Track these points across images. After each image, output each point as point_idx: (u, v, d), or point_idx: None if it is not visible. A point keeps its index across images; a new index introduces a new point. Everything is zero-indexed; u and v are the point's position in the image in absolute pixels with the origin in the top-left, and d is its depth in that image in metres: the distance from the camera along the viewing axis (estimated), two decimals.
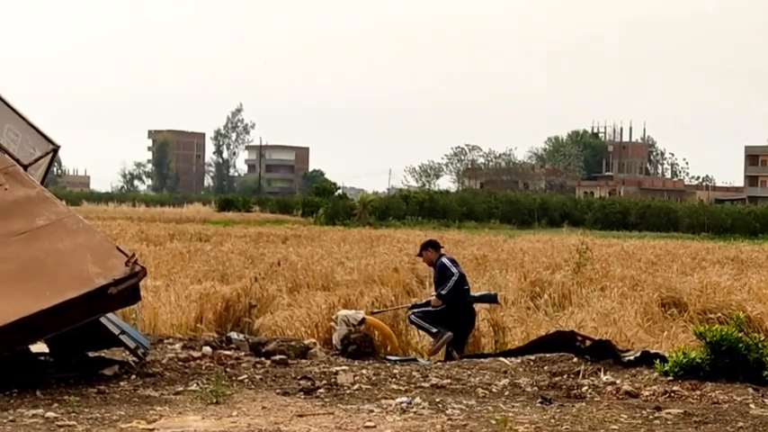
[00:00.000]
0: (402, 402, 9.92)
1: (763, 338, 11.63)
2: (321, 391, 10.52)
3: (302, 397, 10.22)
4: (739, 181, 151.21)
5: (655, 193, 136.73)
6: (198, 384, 10.58)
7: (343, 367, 11.97)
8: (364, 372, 11.70)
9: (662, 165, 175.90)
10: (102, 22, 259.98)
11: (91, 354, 11.97)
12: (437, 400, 10.15)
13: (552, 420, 9.17)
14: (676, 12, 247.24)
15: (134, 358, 11.83)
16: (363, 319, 13.81)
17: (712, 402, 10.07)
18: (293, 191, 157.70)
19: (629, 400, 10.26)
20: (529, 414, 9.52)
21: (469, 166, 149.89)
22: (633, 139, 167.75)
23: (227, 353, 12.80)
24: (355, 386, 10.83)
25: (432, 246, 14.64)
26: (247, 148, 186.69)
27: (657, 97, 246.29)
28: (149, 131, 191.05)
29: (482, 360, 12.92)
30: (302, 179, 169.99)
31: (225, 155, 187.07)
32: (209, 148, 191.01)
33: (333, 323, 14.04)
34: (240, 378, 11.09)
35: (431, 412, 9.57)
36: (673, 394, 10.46)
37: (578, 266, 24.48)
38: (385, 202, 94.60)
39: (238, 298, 17.98)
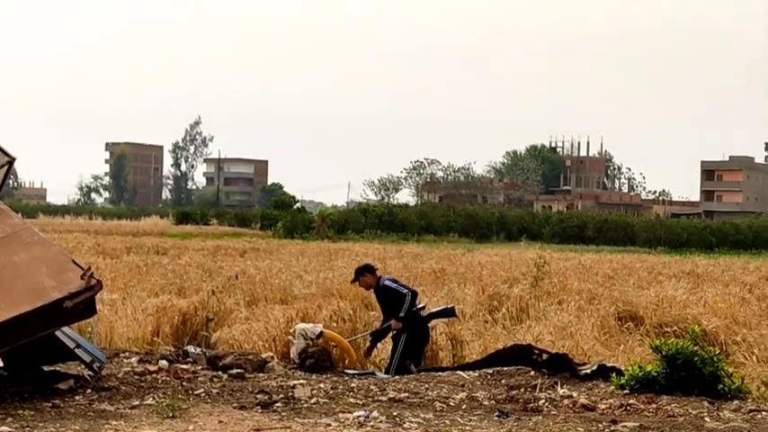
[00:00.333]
0: (359, 416, 9.90)
1: (718, 352, 11.71)
2: (278, 405, 10.48)
3: (259, 411, 10.18)
4: (695, 196, 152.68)
5: (612, 207, 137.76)
6: (154, 398, 10.51)
7: (301, 381, 11.94)
8: (322, 385, 11.67)
9: (619, 179, 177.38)
10: (48, 39, 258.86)
11: (46, 368, 11.88)
12: (395, 413, 10.14)
13: None
14: (633, 26, 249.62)
15: (89, 372, 11.72)
16: (321, 332, 13.78)
17: (668, 416, 10.12)
18: (252, 204, 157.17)
19: (586, 413, 10.29)
20: (486, 428, 9.54)
21: (428, 180, 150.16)
22: (590, 154, 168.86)
23: (184, 367, 12.73)
24: (313, 400, 10.80)
25: (368, 270, 14.54)
26: (206, 160, 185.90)
27: (614, 112, 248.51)
28: (107, 144, 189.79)
29: (440, 374, 12.92)
30: (261, 192, 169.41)
31: (183, 168, 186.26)
32: (168, 160, 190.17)
33: (290, 337, 13.99)
34: (197, 392, 11.02)
35: (388, 426, 9.56)
36: (629, 407, 10.50)
37: (536, 280, 24.58)
38: (344, 215, 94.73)
39: (195, 311, 17.86)
